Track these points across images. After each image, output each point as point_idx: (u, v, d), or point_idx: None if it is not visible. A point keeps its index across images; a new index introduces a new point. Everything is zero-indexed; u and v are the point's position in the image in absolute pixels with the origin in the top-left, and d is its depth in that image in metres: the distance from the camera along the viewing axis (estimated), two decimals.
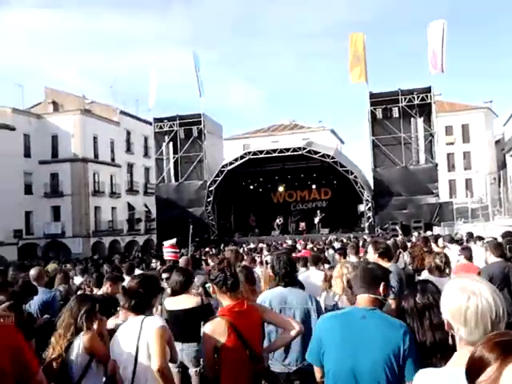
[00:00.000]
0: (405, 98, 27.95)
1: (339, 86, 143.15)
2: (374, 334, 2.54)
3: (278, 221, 30.92)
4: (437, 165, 28.43)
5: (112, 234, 41.69)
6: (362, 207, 30.21)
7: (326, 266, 7.63)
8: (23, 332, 2.88)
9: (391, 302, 3.87)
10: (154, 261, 10.85)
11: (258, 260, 10.15)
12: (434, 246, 9.75)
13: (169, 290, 5.34)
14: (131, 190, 45.34)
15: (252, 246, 20.85)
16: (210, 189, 29.48)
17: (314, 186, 33.40)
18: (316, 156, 27.45)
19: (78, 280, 8.72)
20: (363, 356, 2.51)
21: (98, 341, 3.46)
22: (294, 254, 9.89)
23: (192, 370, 3.12)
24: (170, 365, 3.25)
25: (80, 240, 38.41)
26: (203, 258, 12.27)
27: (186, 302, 4.70)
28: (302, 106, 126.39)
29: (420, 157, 28.93)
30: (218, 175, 29.18)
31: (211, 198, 29.59)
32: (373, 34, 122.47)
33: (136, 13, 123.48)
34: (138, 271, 8.07)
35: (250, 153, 28.96)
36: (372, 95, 28.59)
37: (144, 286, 3.18)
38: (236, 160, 28.80)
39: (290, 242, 19.92)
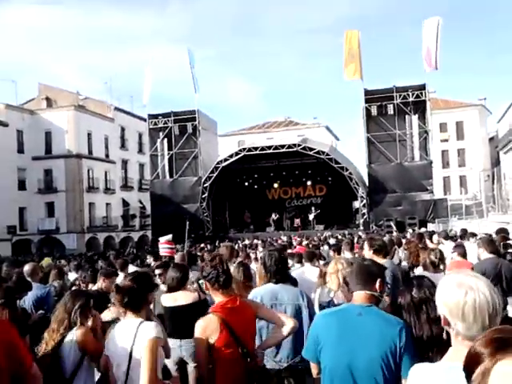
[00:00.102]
0: (399, 95, 28.00)
1: (334, 82, 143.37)
2: (371, 330, 2.54)
3: (273, 216, 30.97)
4: (431, 162, 28.53)
5: (106, 229, 41.61)
6: (356, 204, 30.33)
7: (321, 262, 7.64)
8: (17, 328, 2.87)
9: (386, 299, 3.88)
10: (148, 257, 10.82)
11: (253, 256, 10.16)
12: (428, 242, 9.79)
13: (162, 286, 5.34)
14: (126, 186, 45.24)
15: (247, 242, 20.85)
16: (205, 185, 29.45)
17: (308, 183, 33.43)
18: (311, 152, 27.46)
19: (72, 276, 8.68)
20: (360, 353, 2.51)
21: (91, 336, 3.44)
22: (289, 251, 9.92)
23: (191, 366, 3.12)
24: (168, 361, 3.24)
25: (74, 236, 38.31)
26: (199, 254, 12.26)
27: (183, 298, 4.69)
28: (297, 103, 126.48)
29: (415, 154, 29.00)
30: (212, 171, 29.13)
31: (206, 195, 29.56)
32: (368, 31, 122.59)
33: (135, 9, 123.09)
34: (132, 267, 8.06)
35: (244, 149, 28.92)
36: (367, 92, 28.61)
37: (137, 283, 3.16)
38: (231, 156, 28.77)
39: (284, 239, 19.95)
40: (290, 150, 27.82)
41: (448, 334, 1.77)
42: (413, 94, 27.94)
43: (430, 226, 23.28)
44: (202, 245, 19.65)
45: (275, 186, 33.95)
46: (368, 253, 4.93)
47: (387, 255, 5.10)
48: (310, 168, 31.51)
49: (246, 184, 33.77)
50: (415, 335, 2.58)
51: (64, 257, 21.74)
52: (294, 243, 15.62)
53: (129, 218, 44.91)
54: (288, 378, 4.08)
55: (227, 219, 33.91)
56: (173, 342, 4.39)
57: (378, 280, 2.73)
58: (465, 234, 10.93)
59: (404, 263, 8.20)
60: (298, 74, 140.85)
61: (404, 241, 11.17)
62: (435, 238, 10.42)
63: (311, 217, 30.32)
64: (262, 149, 28.48)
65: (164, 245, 10.21)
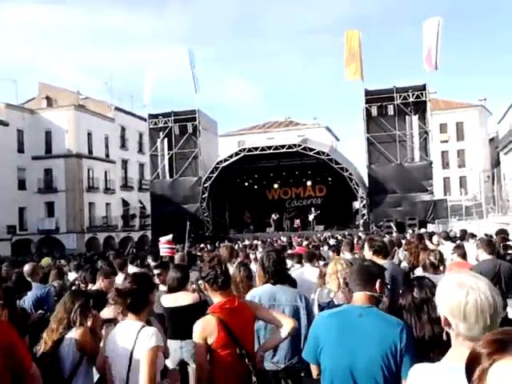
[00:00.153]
0: (400, 96, 28.01)
1: (334, 83, 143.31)
2: (371, 331, 2.54)
3: (273, 216, 30.98)
4: (431, 162, 28.54)
5: (106, 229, 41.60)
6: (356, 204, 30.32)
7: (321, 262, 7.64)
8: (17, 328, 2.87)
9: (385, 300, 3.88)
10: (148, 257, 10.82)
11: (253, 257, 10.15)
12: (428, 243, 9.78)
13: (161, 286, 5.34)
14: (126, 186, 45.24)
15: (247, 242, 20.84)
16: (205, 185, 29.45)
17: (308, 183, 33.44)
18: (311, 153, 27.46)
19: (72, 276, 8.68)
20: (360, 353, 2.51)
21: (91, 337, 3.44)
22: (290, 251, 9.92)
23: (192, 367, 3.11)
24: (169, 362, 3.24)
25: (74, 236, 38.30)
26: (198, 254, 12.25)
27: (184, 298, 4.69)
28: (297, 103, 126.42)
29: (415, 154, 29.02)
30: (212, 171, 29.13)
31: (206, 195, 29.56)
32: (368, 32, 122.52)
33: (135, 9, 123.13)
34: (132, 267, 8.05)
35: (245, 149, 28.92)
36: (367, 92, 28.62)
37: (138, 284, 3.16)
38: (231, 156, 28.77)
39: (284, 239, 19.94)
40: (290, 150, 27.82)
41: (448, 334, 1.76)
42: (413, 95, 27.96)
43: (430, 227, 23.27)
44: (202, 245, 19.66)
45: (275, 186, 33.95)
46: (368, 253, 4.93)
47: (387, 256, 5.09)
48: (310, 168, 31.51)
49: (246, 184, 33.78)
50: (416, 336, 2.58)
51: (64, 257, 21.76)
52: (294, 244, 15.60)
53: (129, 218, 44.91)
54: (285, 379, 4.07)
55: (227, 219, 33.91)
56: (173, 343, 4.38)
57: (378, 281, 2.73)
58: (464, 235, 10.94)
59: (404, 264, 8.19)
60: (298, 74, 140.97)
61: (404, 241, 11.18)
62: (435, 238, 10.41)
63: (311, 217, 30.31)
64: (262, 149, 28.48)
65: (164, 245, 10.21)
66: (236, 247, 13.01)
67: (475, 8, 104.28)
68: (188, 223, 14.32)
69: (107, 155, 43.15)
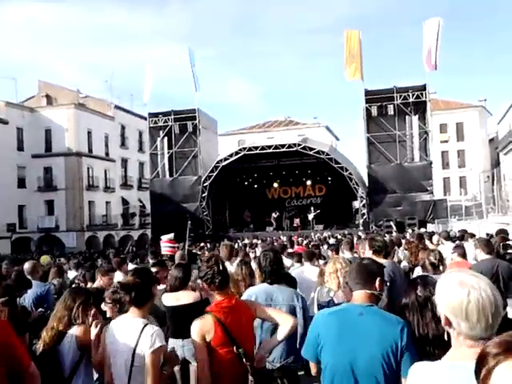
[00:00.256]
0: (400, 96, 28.01)
1: (334, 82, 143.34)
2: (372, 329, 2.54)
3: (273, 214, 31.00)
4: (431, 162, 28.55)
5: (106, 228, 41.62)
6: (356, 204, 30.33)
7: (321, 261, 7.65)
8: (17, 326, 2.87)
9: (385, 298, 3.88)
10: (148, 255, 10.82)
11: (252, 256, 10.16)
12: (428, 242, 9.79)
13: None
14: (125, 185, 45.24)
15: (247, 241, 20.85)
16: (205, 184, 29.45)
17: (308, 183, 33.44)
18: (311, 152, 27.46)
19: (71, 274, 8.67)
20: (361, 352, 2.51)
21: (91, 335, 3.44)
22: (289, 250, 9.92)
23: (193, 365, 3.12)
24: None
25: (74, 234, 38.31)
26: (199, 253, 12.26)
27: (185, 297, 4.69)
28: (297, 103, 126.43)
29: (414, 154, 29.02)
30: (212, 171, 29.13)
31: (206, 194, 29.56)
32: (368, 32, 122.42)
33: (136, 8, 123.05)
34: (131, 266, 8.05)
35: (244, 148, 28.92)
36: (367, 92, 28.62)
37: (141, 278, 3.16)
38: (231, 156, 28.77)
39: (284, 238, 19.93)
40: (290, 149, 27.82)
41: (448, 334, 1.76)
42: (413, 95, 27.95)
43: (430, 227, 23.29)
44: (202, 244, 19.65)
45: (275, 185, 33.96)
46: (368, 253, 4.92)
47: (388, 256, 5.08)
48: (309, 168, 31.51)
49: (246, 183, 33.77)
50: (420, 334, 2.58)
51: (63, 255, 21.76)
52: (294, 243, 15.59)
53: (128, 216, 44.91)
54: (281, 378, 4.07)
55: (227, 218, 33.92)
56: (175, 342, 4.38)
57: (378, 279, 2.73)
58: (464, 234, 10.93)
59: (404, 263, 8.20)
60: (298, 73, 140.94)
61: (404, 241, 11.19)
62: (435, 238, 10.41)
63: (311, 217, 30.31)
64: (262, 148, 28.49)
65: (166, 243, 10.21)
66: (236, 246, 13.02)
67: (475, 8, 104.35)
68: (189, 222, 14.28)
69: (107, 154, 43.14)
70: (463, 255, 6.22)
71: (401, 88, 28.33)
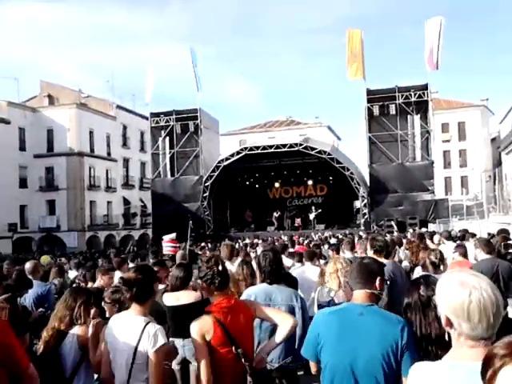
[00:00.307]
0: (402, 95, 27.99)
1: (336, 82, 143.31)
2: (372, 329, 2.53)
3: (275, 214, 30.99)
4: (433, 162, 28.51)
5: (107, 228, 41.64)
6: (357, 203, 30.33)
7: (322, 261, 7.64)
8: (17, 325, 2.87)
9: (385, 297, 3.87)
10: (149, 255, 10.82)
11: (253, 255, 10.14)
12: (429, 242, 9.78)
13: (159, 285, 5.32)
14: (127, 185, 45.27)
15: (248, 241, 20.84)
16: (206, 184, 29.46)
17: (310, 182, 33.44)
18: (312, 152, 27.46)
19: (72, 274, 8.69)
20: (361, 351, 2.51)
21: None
22: (291, 250, 9.91)
23: (193, 365, 3.11)
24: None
25: (75, 234, 38.33)
26: (200, 252, 12.26)
27: (186, 297, 4.68)
28: (298, 103, 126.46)
29: (416, 154, 29.00)
30: (214, 170, 29.14)
31: (207, 194, 29.58)
32: (369, 31, 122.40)
33: (136, 8, 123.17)
34: (132, 266, 8.03)
35: (246, 148, 28.94)
36: (369, 92, 28.60)
37: (142, 274, 3.15)
38: (232, 155, 28.78)
39: (285, 238, 19.92)
40: (292, 149, 27.83)
41: (449, 334, 1.75)
42: (415, 94, 27.92)
43: (431, 227, 23.27)
44: (203, 244, 19.65)
45: (276, 185, 33.97)
46: (369, 253, 4.92)
47: (389, 255, 5.07)
48: (311, 167, 31.51)
49: (247, 183, 33.78)
50: (423, 334, 2.57)
51: (64, 255, 21.76)
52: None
53: (130, 216, 44.93)
54: (280, 378, 4.06)
55: (228, 218, 33.92)
56: (175, 342, 4.38)
57: (378, 278, 2.73)
58: (465, 234, 10.91)
59: (405, 263, 8.19)
60: (298, 73, 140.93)
61: (405, 241, 11.17)
62: (436, 238, 10.40)
63: (312, 216, 30.30)
64: (264, 148, 28.49)
65: (168, 243, 10.21)
66: (237, 246, 13.02)
67: (475, 8, 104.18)
68: (190, 222, 14.28)
69: (109, 153, 43.18)
70: (464, 255, 6.20)
71: (402, 87, 28.31)
